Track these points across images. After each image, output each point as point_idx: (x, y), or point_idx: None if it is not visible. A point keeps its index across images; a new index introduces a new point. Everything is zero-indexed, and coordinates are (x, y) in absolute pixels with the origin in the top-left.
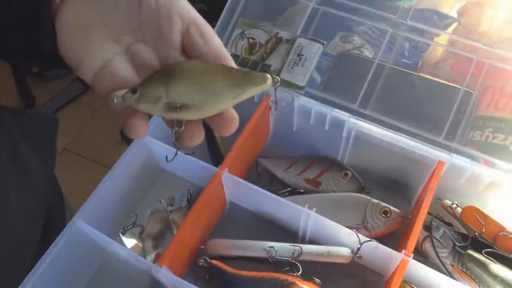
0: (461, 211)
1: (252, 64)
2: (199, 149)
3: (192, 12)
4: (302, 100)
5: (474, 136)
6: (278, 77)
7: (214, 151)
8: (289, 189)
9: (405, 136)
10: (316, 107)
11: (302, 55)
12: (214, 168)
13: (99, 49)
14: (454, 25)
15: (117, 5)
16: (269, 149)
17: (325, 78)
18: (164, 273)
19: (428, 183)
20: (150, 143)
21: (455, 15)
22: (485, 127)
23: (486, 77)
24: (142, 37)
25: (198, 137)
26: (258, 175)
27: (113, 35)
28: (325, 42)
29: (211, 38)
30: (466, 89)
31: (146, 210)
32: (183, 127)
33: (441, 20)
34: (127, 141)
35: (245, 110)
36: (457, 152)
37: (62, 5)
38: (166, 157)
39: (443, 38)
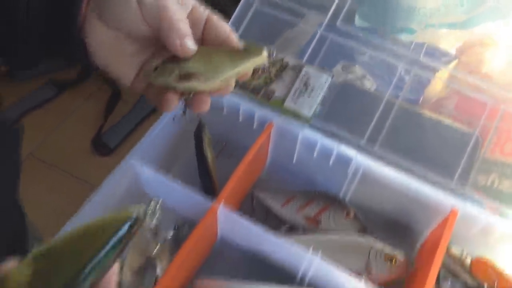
0: (471, 263)
1: (254, 88)
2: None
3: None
4: (307, 133)
5: (479, 180)
6: (274, 52)
7: (205, 172)
8: (287, 226)
9: (417, 179)
10: (322, 140)
11: (309, 84)
12: (209, 201)
13: (131, 60)
14: (454, 63)
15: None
16: (264, 180)
17: (326, 108)
18: None
19: (439, 231)
20: (137, 166)
21: (453, 53)
22: (490, 171)
23: (490, 118)
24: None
25: (206, 104)
26: (252, 209)
27: (139, 44)
28: (333, 74)
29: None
30: (478, 135)
31: None
32: (192, 95)
33: (441, 57)
34: (101, 153)
35: (244, 138)
36: (467, 199)
37: (85, 25)
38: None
39: (443, 75)
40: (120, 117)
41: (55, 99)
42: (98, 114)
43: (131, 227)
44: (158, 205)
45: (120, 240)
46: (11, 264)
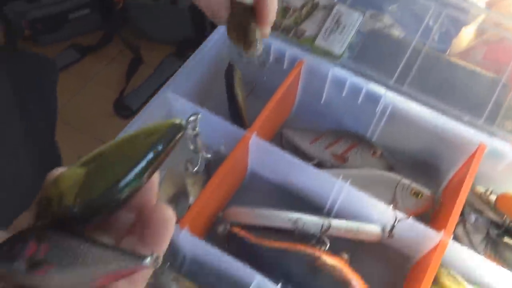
0: (496, 198)
1: (285, 28)
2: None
3: None
4: (336, 70)
5: (506, 125)
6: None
7: (235, 110)
8: (316, 161)
9: (445, 117)
10: (352, 78)
11: (341, 22)
12: (241, 131)
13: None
14: (483, 15)
15: None
16: (292, 121)
17: (354, 53)
18: (185, 235)
19: (466, 166)
20: (172, 98)
21: (483, 6)
22: None
23: None
24: None
25: None
26: (281, 146)
27: None
28: (365, 11)
29: None
30: (504, 82)
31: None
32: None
33: (470, 8)
34: (123, 116)
35: (275, 78)
36: (494, 136)
37: None
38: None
39: (471, 27)
40: (142, 80)
41: (77, 63)
42: (120, 77)
43: (174, 133)
44: (197, 118)
45: (164, 145)
46: (62, 169)
